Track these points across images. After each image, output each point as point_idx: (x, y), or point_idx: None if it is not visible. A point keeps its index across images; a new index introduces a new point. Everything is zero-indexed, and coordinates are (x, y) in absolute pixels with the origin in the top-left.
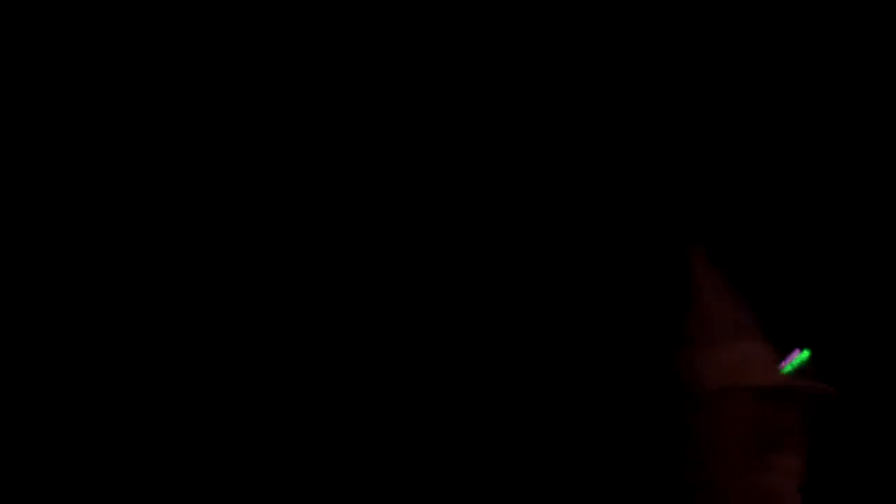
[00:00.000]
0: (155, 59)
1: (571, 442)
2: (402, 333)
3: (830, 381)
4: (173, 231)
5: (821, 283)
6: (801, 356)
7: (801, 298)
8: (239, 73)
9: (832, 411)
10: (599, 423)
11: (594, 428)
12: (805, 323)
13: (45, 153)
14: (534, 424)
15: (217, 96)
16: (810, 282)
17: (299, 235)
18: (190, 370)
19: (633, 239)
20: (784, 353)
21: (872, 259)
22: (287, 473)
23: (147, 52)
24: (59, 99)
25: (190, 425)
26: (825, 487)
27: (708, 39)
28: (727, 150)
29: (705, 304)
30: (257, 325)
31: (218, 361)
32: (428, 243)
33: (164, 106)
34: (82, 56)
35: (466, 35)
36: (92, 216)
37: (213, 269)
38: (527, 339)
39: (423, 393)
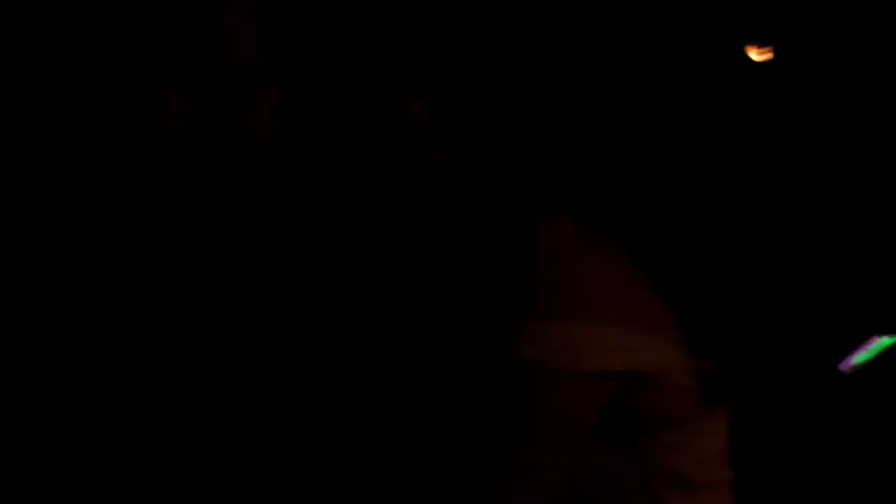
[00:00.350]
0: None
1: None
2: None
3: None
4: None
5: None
6: (880, 343)
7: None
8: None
9: (746, 389)
10: (413, 389)
11: (407, 394)
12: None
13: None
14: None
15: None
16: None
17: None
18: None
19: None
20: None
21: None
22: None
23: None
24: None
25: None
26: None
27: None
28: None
29: (557, 279)
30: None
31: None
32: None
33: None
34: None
35: None
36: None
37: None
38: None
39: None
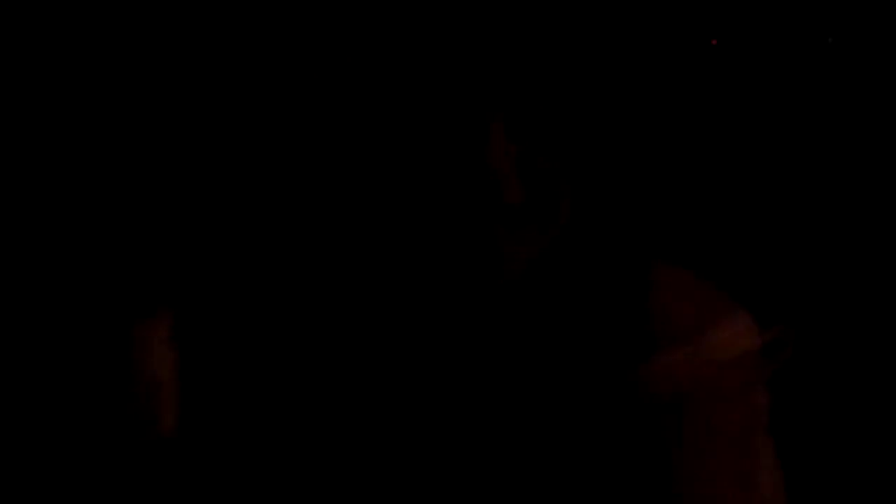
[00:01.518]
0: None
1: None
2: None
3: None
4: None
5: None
6: None
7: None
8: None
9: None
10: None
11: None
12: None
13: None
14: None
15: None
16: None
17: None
18: None
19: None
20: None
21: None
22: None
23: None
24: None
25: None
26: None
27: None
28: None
29: (663, 305)
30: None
31: None
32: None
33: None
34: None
35: None
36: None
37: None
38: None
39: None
